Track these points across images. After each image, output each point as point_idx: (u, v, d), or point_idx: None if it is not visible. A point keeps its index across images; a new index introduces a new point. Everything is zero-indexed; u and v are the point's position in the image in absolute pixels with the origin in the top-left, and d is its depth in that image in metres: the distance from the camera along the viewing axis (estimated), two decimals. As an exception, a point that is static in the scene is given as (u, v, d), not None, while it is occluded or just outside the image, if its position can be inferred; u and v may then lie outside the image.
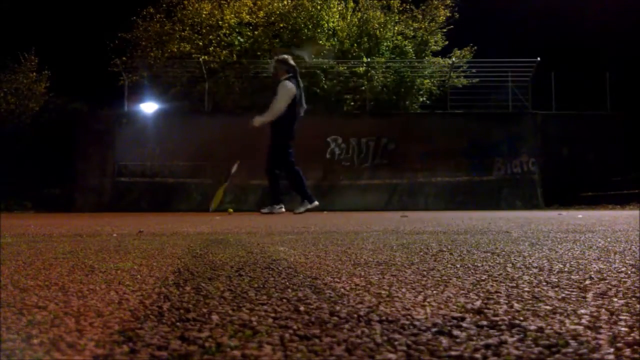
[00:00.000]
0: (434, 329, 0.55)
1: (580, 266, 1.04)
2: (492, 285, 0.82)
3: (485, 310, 0.64)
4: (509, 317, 0.60)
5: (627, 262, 1.10)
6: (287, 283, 0.86)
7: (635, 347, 0.48)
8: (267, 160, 5.77)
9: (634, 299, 0.71)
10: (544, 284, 0.84)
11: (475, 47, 12.80)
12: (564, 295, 0.74)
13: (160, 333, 0.54)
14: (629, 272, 0.96)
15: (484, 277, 0.91)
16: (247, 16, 12.82)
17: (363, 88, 11.24)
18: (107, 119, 9.50)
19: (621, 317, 0.60)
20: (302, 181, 5.81)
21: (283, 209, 5.78)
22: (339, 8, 12.73)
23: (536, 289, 0.78)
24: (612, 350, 0.47)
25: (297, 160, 9.25)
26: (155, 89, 11.22)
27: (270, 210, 5.72)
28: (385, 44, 12.48)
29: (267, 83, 11.22)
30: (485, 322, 0.58)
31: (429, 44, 13.13)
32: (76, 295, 0.76)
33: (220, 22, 12.65)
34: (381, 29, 12.48)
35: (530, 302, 0.69)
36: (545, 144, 9.40)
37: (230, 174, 6.44)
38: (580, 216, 4.07)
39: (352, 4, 12.93)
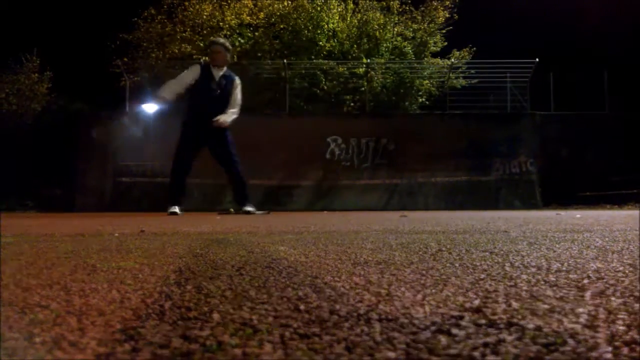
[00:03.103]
0: (432, 328, 0.55)
1: (578, 265, 1.05)
2: (490, 284, 0.83)
3: (484, 309, 0.64)
4: (508, 315, 0.61)
5: (625, 261, 1.11)
6: (288, 282, 0.86)
7: (633, 345, 0.49)
8: (232, 160, 5.32)
9: (631, 298, 0.71)
10: (542, 283, 0.84)
11: (474, 48, 12.83)
12: (562, 294, 0.74)
13: (161, 332, 0.54)
14: (627, 271, 0.96)
15: (483, 276, 0.92)
16: (248, 17, 12.83)
17: (363, 89, 11.25)
18: (109, 119, 9.51)
19: (619, 316, 0.60)
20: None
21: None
22: (339, 9, 12.75)
23: (534, 288, 0.79)
24: (610, 348, 0.48)
25: (297, 160, 9.28)
26: (156, 90, 11.23)
27: (254, 209, 5.34)
28: (384, 45, 12.50)
29: (268, 84, 11.25)
30: (483, 321, 0.58)
31: (428, 45, 13.15)
32: (78, 294, 0.76)
33: (220, 23, 12.67)
34: (381, 30, 12.50)
35: (529, 301, 0.69)
36: (544, 145, 9.41)
37: None
38: (578, 216, 4.07)
39: (352, 5, 12.94)
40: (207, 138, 5.29)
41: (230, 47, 5.60)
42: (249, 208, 5.34)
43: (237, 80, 5.50)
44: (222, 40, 5.63)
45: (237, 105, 5.43)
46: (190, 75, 5.29)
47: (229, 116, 5.32)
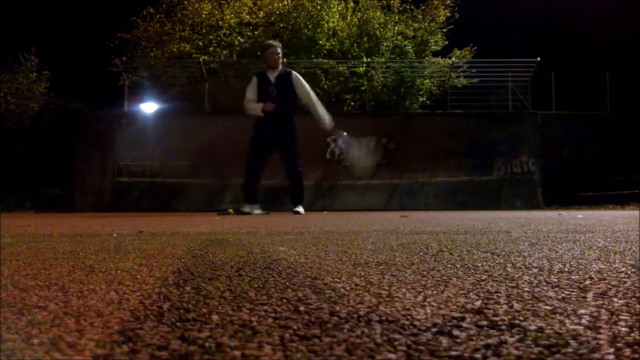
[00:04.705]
0: (434, 329, 0.55)
1: (580, 266, 1.04)
2: (492, 285, 0.82)
3: (485, 310, 0.64)
4: (509, 317, 0.60)
5: (627, 262, 1.10)
6: (287, 283, 0.86)
7: (636, 347, 0.48)
8: (297, 161, 5.64)
9: (634, 299, 0.71)
10: (544, 284, 0.84)
11: (475, 47, 12.81)
12: (564, 295, 0.74)
13: (160, 333, 0.54)
14: (629, 272, 0.96)
15: (484, 277, 0.91)
16: (247, 16, 12.82)
17: (363, 88, 11.24)
18: (107, 119, 9.51)
19: (621, 317, 0.60)
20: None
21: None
22: (339, 8, 12.73)
23: (536, 289, 0.78)
24: (612, 350, 0.47)
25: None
26: (155, 89, 11.23)
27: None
28: (385, 44, 12.49)
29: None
30: (485, 322, 0.58)
31: (429, 44, 13.14)
32: (76, 295, 0.76)
33: (220, 22, 12.66)
34: (381, 29, 12.49)
35: (530, 302, 0.69)
36: (545, 144, 9.40)
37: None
38: (580, 216, 4.06)
39: (352, 4, 12.93)
40: (277, 141, 5.54)
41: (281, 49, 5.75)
42: (299, 209, 5.60)
43: (294, 73, 5.67)
44: (276, 43, 5.83)
45: (312, 94, 5.68)
46: (252, 90, 5.52)
47: (323, 112, 5.70)
